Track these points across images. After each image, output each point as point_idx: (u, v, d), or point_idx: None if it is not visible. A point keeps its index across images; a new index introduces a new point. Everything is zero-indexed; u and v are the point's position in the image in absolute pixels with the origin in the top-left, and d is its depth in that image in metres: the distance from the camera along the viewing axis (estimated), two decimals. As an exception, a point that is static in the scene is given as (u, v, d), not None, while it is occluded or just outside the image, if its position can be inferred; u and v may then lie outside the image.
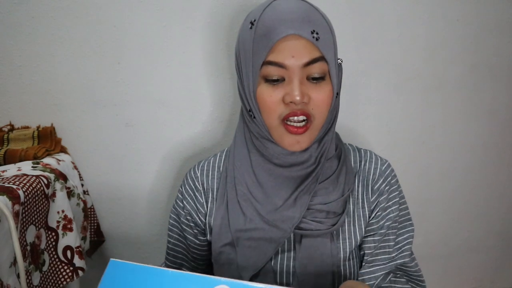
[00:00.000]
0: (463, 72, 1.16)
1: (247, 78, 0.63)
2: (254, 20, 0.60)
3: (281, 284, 0.68)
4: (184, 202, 0.75)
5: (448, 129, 1.20)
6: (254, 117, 0.65)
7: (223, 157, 0.76)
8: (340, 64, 0.66)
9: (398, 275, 0.72)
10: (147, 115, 1.01)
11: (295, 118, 0.60)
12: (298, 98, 0.58)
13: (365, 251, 0.70)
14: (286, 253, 0.68)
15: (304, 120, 0.61)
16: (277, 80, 0.60)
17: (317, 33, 0.59)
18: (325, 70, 0.61)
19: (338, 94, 0.66)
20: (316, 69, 0.60)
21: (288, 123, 0.61)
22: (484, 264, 1.40)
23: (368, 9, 1.04)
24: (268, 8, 0.60)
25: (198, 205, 0.74)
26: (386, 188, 0.71)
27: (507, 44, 1.16)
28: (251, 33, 0.60)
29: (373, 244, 0.70)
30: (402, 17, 1.06)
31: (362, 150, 0.75)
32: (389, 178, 0.71)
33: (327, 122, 0.65)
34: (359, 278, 0.70)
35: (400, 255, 0.70)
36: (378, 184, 0.71)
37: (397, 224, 0.71)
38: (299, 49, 0.58)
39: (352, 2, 1.02)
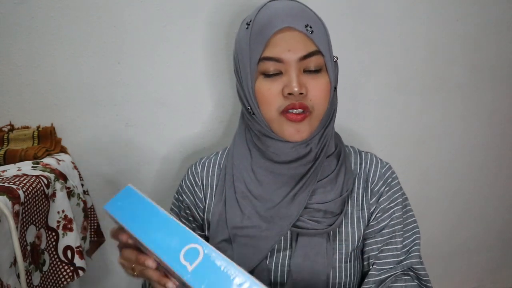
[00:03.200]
0: (463, 72, 1.16)
1: (245, 76, 0.64)
2: (250, 21, 0.63)
3: (275, 285, 0.67)
4: (184, 196, 0.77)
5: (448, 129, 1.20)
6: (254, 114, 0.66)
7: (224, 155, 0.77)
8: (336, 61, 0.67)
9: (409, 278, 0.68)
10: (147, 115, 1.01)
11: (294, 110, 0.62)
12: (296, 89, 0.59)
13: (370, 254, 0.69)
14: (282, 252, 0.68)
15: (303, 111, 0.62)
16: (275, 74, 0.62)
17: (310, 27, 0.60)
18: (321, 63, 0.62)
19: (335, 88, 0.67)
20: (313, 63, 0.61)
21: (287, 112, 0.62)
22: (484, 264, 1.40)
23: (368, 9, 1.04)
24: (263, 8, 0.63)
25: (197, 199, 0.76)
26: (386, 189, 0.70)
27: (507, 44, 1.16)
28: (248, 33, 0.62)
29: (376, 246, 0.69)
30: (402, 17, 1.07)
31: (363, 152, 0.76)
32: (389, 180, 0.71)
33: (326, 115, 0.66)
34: (365, 280, 0.68)
35: (409, 256, 0.69)
36: (378, 186, 0.71)
37: (402, 226, 0.70)
38: (295, 42, 0.60)
39: (352, 1, 1.02)
